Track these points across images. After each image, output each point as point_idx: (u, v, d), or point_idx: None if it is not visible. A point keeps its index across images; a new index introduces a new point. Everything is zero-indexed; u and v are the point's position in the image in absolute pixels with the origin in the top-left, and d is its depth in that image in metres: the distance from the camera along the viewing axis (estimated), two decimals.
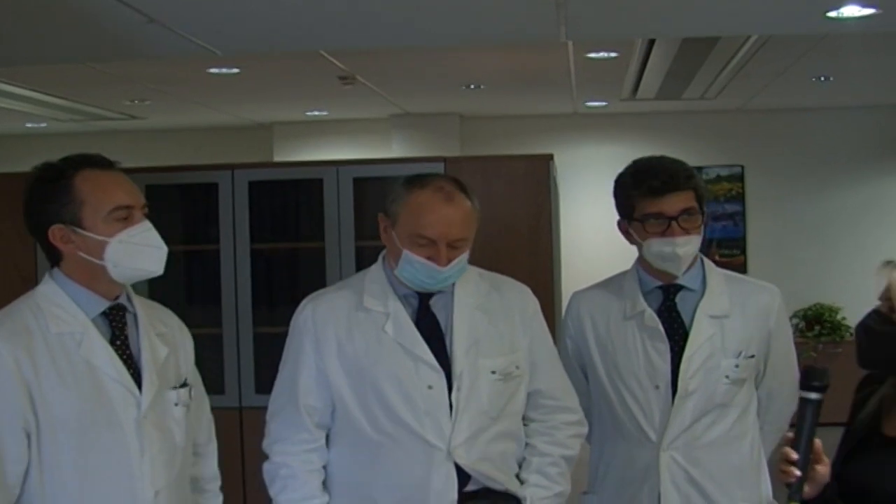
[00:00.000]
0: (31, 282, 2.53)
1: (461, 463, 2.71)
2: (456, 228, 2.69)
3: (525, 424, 2.88)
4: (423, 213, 2.69)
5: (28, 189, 2.50)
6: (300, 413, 2.77)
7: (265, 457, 2.82)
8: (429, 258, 2.68)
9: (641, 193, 2.99)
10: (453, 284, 2.78)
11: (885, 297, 2.31)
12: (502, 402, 2.78)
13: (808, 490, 2.29)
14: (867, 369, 2.35)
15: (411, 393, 2.71)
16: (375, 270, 2.84)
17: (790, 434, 2.32)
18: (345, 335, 2.76)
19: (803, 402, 2.31)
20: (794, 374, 3.02)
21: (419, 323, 2.76)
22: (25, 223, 2.52)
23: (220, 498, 2.83)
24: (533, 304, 2.93)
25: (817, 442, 2.31)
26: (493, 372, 2.76)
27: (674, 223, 2.96)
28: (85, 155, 2.53)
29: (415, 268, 2.70)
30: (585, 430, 2.95)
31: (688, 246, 2.97)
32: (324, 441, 2.81)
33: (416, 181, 2.76)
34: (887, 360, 2.32)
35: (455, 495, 2.71)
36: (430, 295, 2.78)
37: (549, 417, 2.87)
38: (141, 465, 2.46)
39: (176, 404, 2.57)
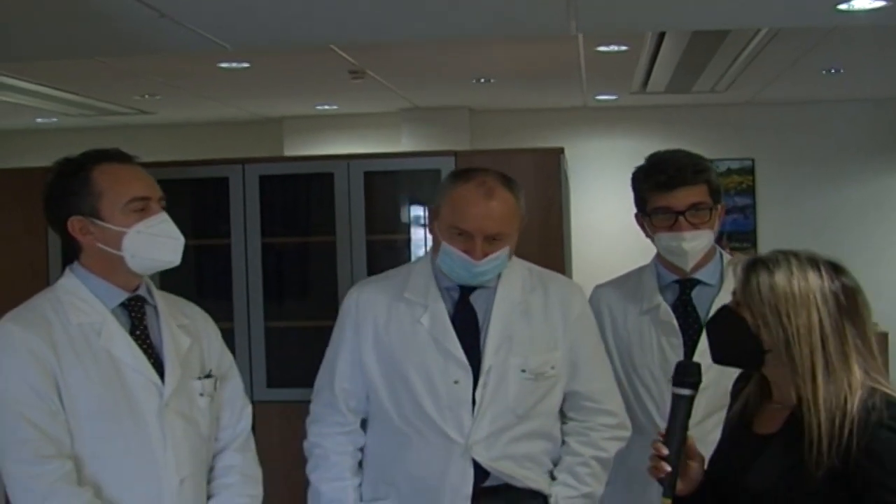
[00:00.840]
0: (42, 275, 2.56)
1: (479, 459, 2.72)
2: (493, 223, 2.70)
3: (563, 422, 2.88)
4: (463, 206, 2.71)
5: (48, 184, 2.55)
6: (335, 396, 2.83)
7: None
8: (465, 251, 2.69)
9: (650, 187, 3.00)
10: (498, 279, 2.79)
11: (733, 291, 2.31)
12: (532, 401, 2.78)
13: (681, 486, 2.30)
14: (717, 364, 2.35)
15: (437, 386, 2.73)
16: (423, 262, 2.87)
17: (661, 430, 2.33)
18: (383, 324, 2.80)
19: (676, 397, 2.32)
20: None
21: (456, 317, 2.77)
22: (46, 216, 2.56)
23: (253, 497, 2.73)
24: (580, 303, 2.92)
25: (690, 437, 2.31)
26: (524, 370, 2.76)
27: (681, 218, 2.95)
28: (103, 150, 2.57)
29: (452, 259, 2.72)
30: (626, 433, 2.93)
31: (695, 241, 2.97)
32: (358, 425, 2.86)
33: (461, 174, 2.79)
34: (730, 353, 2.32)
35: (469, 490, 2.72)
36: (472, 289, 2.79)
37: (587, 418, 2.87)
38: (164, 454, 2.48)
39: (201, 394, 2.60)
